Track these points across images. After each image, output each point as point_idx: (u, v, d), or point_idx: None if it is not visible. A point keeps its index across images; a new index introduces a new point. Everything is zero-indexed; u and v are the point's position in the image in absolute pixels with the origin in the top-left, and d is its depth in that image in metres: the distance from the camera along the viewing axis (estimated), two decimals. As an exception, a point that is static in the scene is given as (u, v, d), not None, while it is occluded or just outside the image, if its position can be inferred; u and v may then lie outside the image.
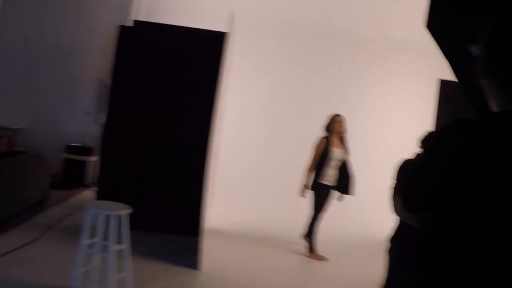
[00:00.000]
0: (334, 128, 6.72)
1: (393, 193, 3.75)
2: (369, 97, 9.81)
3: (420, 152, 3.90)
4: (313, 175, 6.69)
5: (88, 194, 8.48)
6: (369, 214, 8.69)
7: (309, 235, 6.78)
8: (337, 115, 6.81)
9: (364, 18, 9.46)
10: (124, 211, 4.53)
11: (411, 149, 8.05)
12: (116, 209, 4.54)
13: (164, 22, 7.26)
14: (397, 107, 9.80)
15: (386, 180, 8.55)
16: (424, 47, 9.17)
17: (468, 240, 1.56)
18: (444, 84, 8.10)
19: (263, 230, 7.89)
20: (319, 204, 6.69)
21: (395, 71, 9.81)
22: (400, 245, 3.55)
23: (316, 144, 6.74)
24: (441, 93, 8.09)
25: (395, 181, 3.72)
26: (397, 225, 3.64)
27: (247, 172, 9.29)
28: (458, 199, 1.59)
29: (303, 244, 6.96)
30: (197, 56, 6.63)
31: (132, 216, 4.67)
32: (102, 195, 6.46)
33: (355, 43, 9.68)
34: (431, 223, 1.71)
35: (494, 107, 1.71)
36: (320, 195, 6.67)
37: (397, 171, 3.73)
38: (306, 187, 6.70)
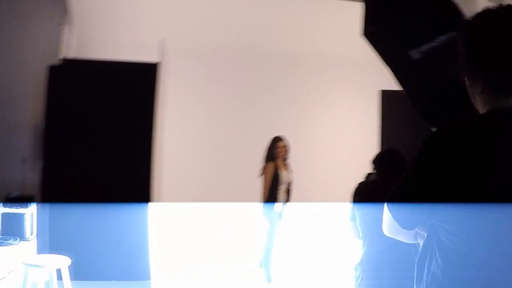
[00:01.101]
0: (278, 154, 6.55)
1: (350, 219, 3.70)
2: (311, 115, 9.64)
3: (372, 172, 3.82)
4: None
5: (30, 247, 8.00)
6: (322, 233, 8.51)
7: (265, 264, 6.52)
8: (280, 140, 6.64)
9: (298, 36, 9.35)
10: (63, 263, 4.22)
11: (359, 163, 7.99)
12: (55, 262, 4.22)
13: (96, 57, 6.99)
14: (341, 122, 9.68)
15: (336, 198, 8.47)
16: (362, 59, 9.20)
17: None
18: (385, 94, 8.09)
19: (217, 262, 7.58)
20: (274, 231, 6.46)
21: (336, 87, 9.71)
22: (366, 271, 3.45)
23: (266, 171, 6.51)
24: (383, 104, 8.08)
25: (352, 206, 3.65)
26: (362, 251, 3.53)
27: (193, 204, 8.94)
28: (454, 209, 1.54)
29: (260, 273, 6.70)
30: (130, 90, 6.35)
31: (76, 266, 4.39)
32: (43, 248, 6.10)
33: (291, 62, 9.53)
34: (427, 237, 1.67)
35: (478, 104, 1.70)
36: (273, 221, 6.46)
37: (352, 196, 3.64)
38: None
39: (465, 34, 1.69)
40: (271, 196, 6.41)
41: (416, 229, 1.72)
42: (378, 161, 3.75)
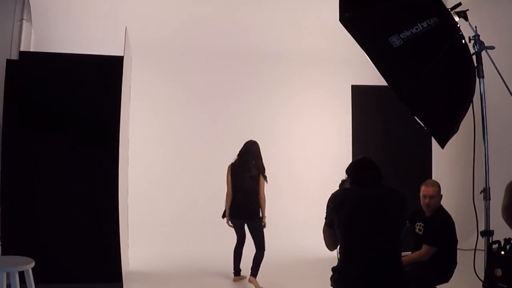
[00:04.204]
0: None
1: (324, 225, 3.72)
2: (287, 114, 9.50)
3: (345, 179, 3.89)
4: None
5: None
6: (297, 232, 8.41)
7: (260, 261, 6.39)
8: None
9: (270, 34, 9.22)
10: (27, 265, 3.98)
11: (334, 163, 7.89)
12: (17, 264, 3.98)
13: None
14: (316, 120, 9.57)
15: (310, 198, 8.36)
16: (334, 55, 9.14)
17: None
18: (355, 89, 8.07)
19: (190, 264, 7.38)
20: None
21: (309, 84, 9.58)
22: (341, 276, 3.48)
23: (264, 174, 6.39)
24: (354, 98, 8.05)
25: (326, 214, 3.68)
26: (340, 254, 3.55)
27: (163, 205, 8.72)
28: None
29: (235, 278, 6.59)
30: (93, 84, 6.06)
31: (43, 268, 4.19)
32: (7, 250, 5.77)
33: (267, 59, 9.38)
34: None
35: None
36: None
37: (327, 205, 3.67)
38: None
39: None
40: None
41: None
42: (351, 169, 3.75)
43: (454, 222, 5.00)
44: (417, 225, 5.09)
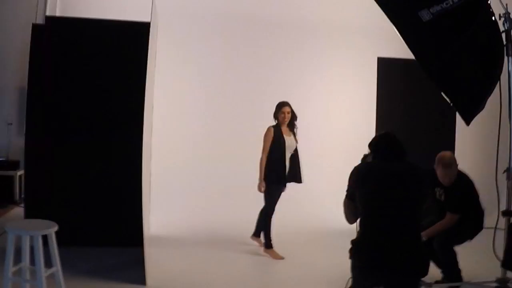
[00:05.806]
0: (279, 118, 6.38)
1: (345, 198, 3.72)
2: (312, 83, 9.40)
3: (367, 154, 3.87)
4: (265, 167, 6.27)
5: (18, 211, 7.84)
6: (319, 203, 8.40)
7: (265, 230, 6.39)
8: (283, 105, 6.43)
9: (297, 3, 9.11)
10: (50, 229, 4.04)
11: (357, 136, 7.83)
12: (40, 227, 4.05)
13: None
14: (340, 91, 9.46)
15: (334, 167, 8.34)
16: (362, 26, 9.02)
17: None
18: (381, 61, 7.96)
19: (210, 231, 7.45)
20: (273, 197, 6.31)
21: (334, 55, 9.47)
22: (360, 248, 3.50)
23: (265, 134, 6.33)
24: (380, 71, 7.94)
25: (347, 187, 3.69)
26: (359, 227, 3.57)
27: (185, 171, 8.70)
28: None
29: (254, 243, 6.60)
30: (118, 50, 6.09)
31: (65, 232, 4.29)
32: (31, 213, 5.94)
33: (293, 28, 9.28)
34: None
35: None
36: (273, 187, 6.30)
37: (349, 178, 3.67)
38: (262, 180, 6.25)
39: None
40: (269, 161, 6.25)
41: None
42: (374, 144, 3.78)
43: (473, 182, 4.96)
44: (437, 190, 5.08)
